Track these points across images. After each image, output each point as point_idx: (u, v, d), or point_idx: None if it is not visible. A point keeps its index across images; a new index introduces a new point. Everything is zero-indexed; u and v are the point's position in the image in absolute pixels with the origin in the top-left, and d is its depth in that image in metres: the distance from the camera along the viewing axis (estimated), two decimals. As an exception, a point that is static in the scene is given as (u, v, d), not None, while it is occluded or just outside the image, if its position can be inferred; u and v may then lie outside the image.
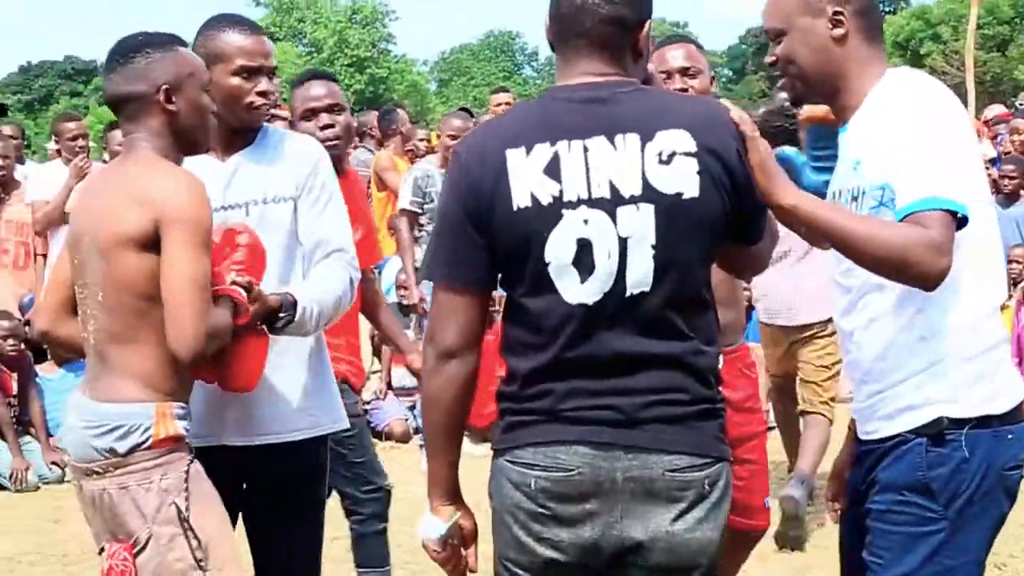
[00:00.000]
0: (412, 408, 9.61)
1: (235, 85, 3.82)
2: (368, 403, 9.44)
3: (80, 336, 3.52)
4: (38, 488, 8.45)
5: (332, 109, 5.05)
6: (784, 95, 12.20)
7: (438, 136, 10.05)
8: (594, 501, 2.85)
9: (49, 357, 9.14)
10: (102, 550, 3.44)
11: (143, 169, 3.37)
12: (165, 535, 3.36)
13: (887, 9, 67.36)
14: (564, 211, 2.81)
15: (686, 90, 4.24)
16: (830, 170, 3.39)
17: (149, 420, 3.34)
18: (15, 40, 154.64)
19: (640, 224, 2.81)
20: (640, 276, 2.83)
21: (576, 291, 2.84)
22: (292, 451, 3.88)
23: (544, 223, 2.82)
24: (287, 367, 3.84)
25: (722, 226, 2.90)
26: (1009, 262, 9.41)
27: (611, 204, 2.82)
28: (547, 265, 2.83)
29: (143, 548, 3.36)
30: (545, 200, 2.82)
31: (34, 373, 8.89)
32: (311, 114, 5.03)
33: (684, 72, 4.35)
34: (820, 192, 3.37)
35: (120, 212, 3.30)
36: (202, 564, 3.38)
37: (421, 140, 11.42)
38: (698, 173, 2.83)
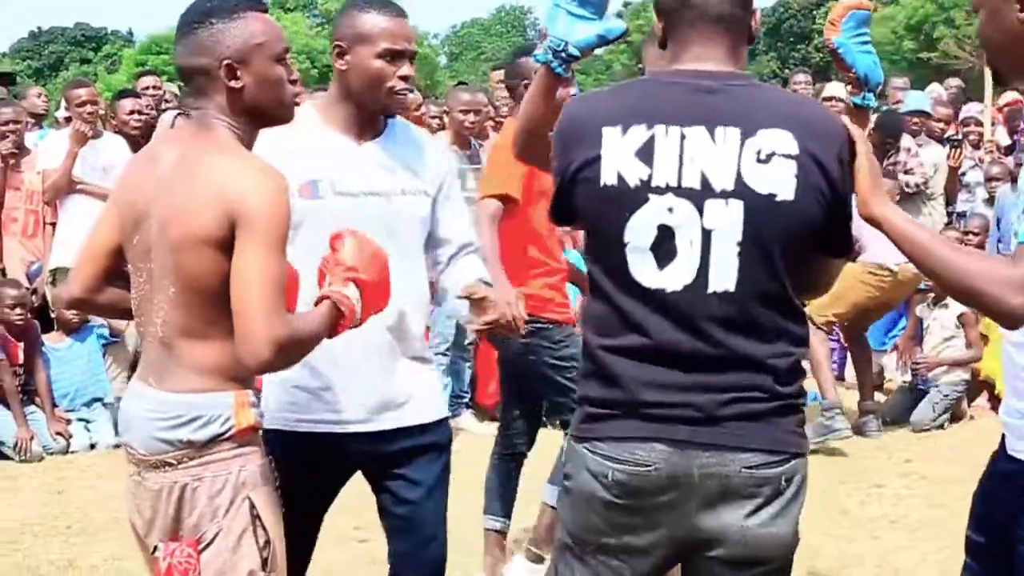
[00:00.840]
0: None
1: (378, 68, 3.75)
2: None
3: (137, 320, 3.35)
4: (42, 459, 8.41)
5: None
6: (803, 77, 12.16)
7: (446, 112, 9.91)
8: (670, 495, 2.89)
9: (56, 327, 9.09)
10: (155, 549, 3.27)
11: (221, 161, 3.14)
12: (235, 531, 3.20)
13: (901, -8, 67.18)
14: (650, 195, 2.83)
15: None
16: (870, 51, 3.40)
17: (229, 410, 3.19)
18: (26, 5, 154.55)
19: (727, 219, 2.82)
20: (724, 273, 2.84)
21: (652, 276, 2.86)
22: (420, 432, 3.91)
23: (627, 204, 2.84)
24: (405, 355, 3.90)
25: (815, 233, 2.89)
26: None
27: (700, 195, 2.82)
28: (625, 246, 2.85)
29: (209, 544, 3.21)
30: (632, 182, 2.84)
31: (41, 343, 8.84)
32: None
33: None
34: (872, 74, 3.35)
35: (195, 209, 3.09)
36: (266, 564, 3.25)
37: (434, 117, 11.19)
38: (795, 176, 2.82)
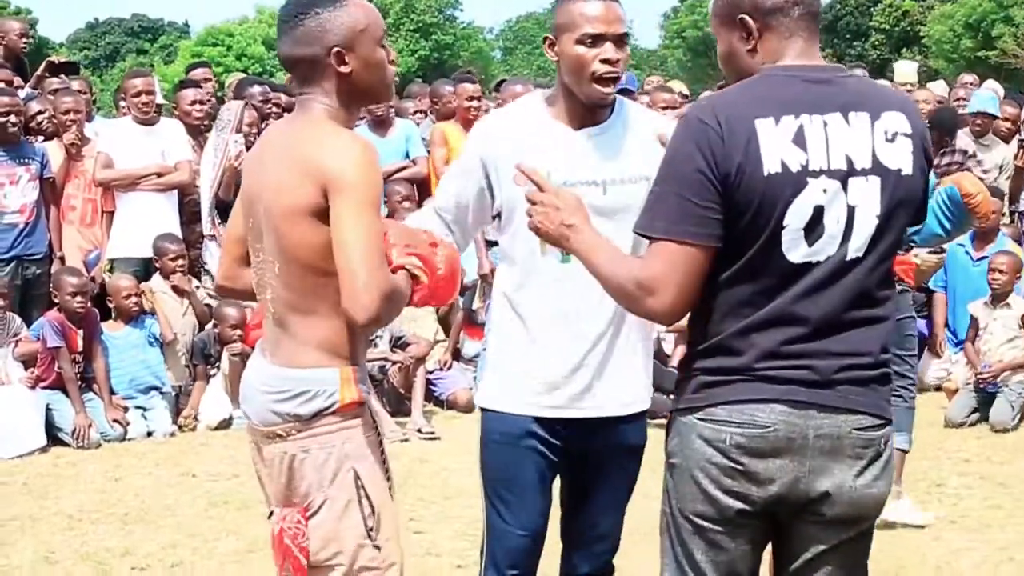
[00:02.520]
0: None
1: (579, 54, 3.78)
2: (431, 372, 9.43)
3: (259, 298, 3.49)
4: (99, 446, 8.47)
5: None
6: (860, 72, 12.21)
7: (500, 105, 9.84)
8: (785, 456, 3.03)
9: (113, 316, 9.14)
10: (271, 514, 3.44)
11: (310, 135, 3.29)
12: (341, 500, 3.32)
13: (959, -11, 66.67)
14: (809, 179, 2.99)
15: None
16: (919, 236, 3.47)
17: (334, 385, 3.30)
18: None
19: (868, 195, 3.03)
20: (860, 242, 3.03)
21: (802, 252, 3.01)
22: (622, 424, 3.99)
23: (792, 189, 2.98)
24: (627, 344, 3.94)
25: (919, 203, 3.17)
26: None
27: (845, 174, 3.01)
28: (783, 228, 2.99)
29: (316, 512, 3.34)
30: (795, 168, 2.98)
31: (100, 331, 8.89)
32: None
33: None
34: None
35: (290, 184, 3.23)
36: (372, 533, 3.35)
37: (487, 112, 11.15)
38: (912, 153, 3.09)
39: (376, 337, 9.22)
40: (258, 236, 3.38)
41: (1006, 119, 11.41)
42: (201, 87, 10.50)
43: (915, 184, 3.10)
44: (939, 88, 13.36)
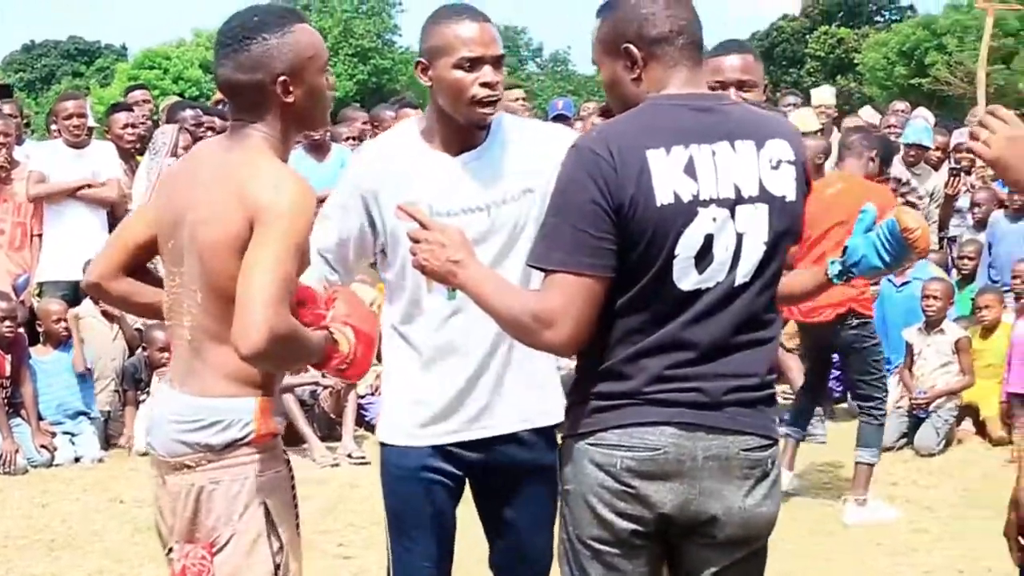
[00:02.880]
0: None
1: (457, 78, 3.69)
2: (362, 397, 9.40)
3: (168, 323, 3.39)
4: (26, 471, 8.39)
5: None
6: (792, 99, 12.29)
7: None
8: (675, 479, 3.06)
9: (42, 340, 9.07)
10: (170, 551, 3.31)
11: (249, 167, 3.15)
12: (250, 535, 3.21)
13: (894, 18, 67.50)
14: (699, 208, 3.02)
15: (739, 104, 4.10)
16: (857, 268, 3.51)
17: (249, 415, 3.21)
18: (19, 18, 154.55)
19: (755, 222, 3.08)
20: (748, 268, 3.09)
21: (692, 280, 3.04)
22: (527, 440, 3.92)
23: (684, 219, 3.01)
24: (524, 359, 3.84)
25: (799, 229, 3.23)
26: (1014, 277, 9.39)
27: (734, 203, 3.06)
28: (675, 257, 3.02)
29: (223, 548, 3.22)
30: (686, 198, 3.01)
31: (28, 355, 8.82)
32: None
33: (740, 85, 4.16)
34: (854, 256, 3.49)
35: (224, 216, 3.11)
36: (279, 570, 3.25)
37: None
38: (795, 180, 3.15)
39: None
40: (177, 260, 3.28)
41: (936, 148, 11.55)
42: (133, 110, 10.46)
43: (797, 210, 3.16)
44: (868, 115, 13.51)
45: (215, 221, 3.13)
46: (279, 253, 3.03)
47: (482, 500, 4.05)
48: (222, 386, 3.21)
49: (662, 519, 3.07)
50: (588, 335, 3.03)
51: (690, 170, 3.01)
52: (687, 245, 3.01)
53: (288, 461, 3.37)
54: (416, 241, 3.22)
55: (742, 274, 3.07)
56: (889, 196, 7.97)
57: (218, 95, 12.13)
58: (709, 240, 3.02)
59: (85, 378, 9.08)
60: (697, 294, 3.04)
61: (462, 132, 3.79)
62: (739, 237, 3.06)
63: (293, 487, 3.37)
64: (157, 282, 3.51)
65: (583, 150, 3.04)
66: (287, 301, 3.05)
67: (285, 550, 3.27)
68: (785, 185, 3.12)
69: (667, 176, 2.99)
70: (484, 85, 3.69)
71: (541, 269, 3.04)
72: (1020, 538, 3.44)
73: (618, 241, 2.99)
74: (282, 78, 3.18)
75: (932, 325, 9.26)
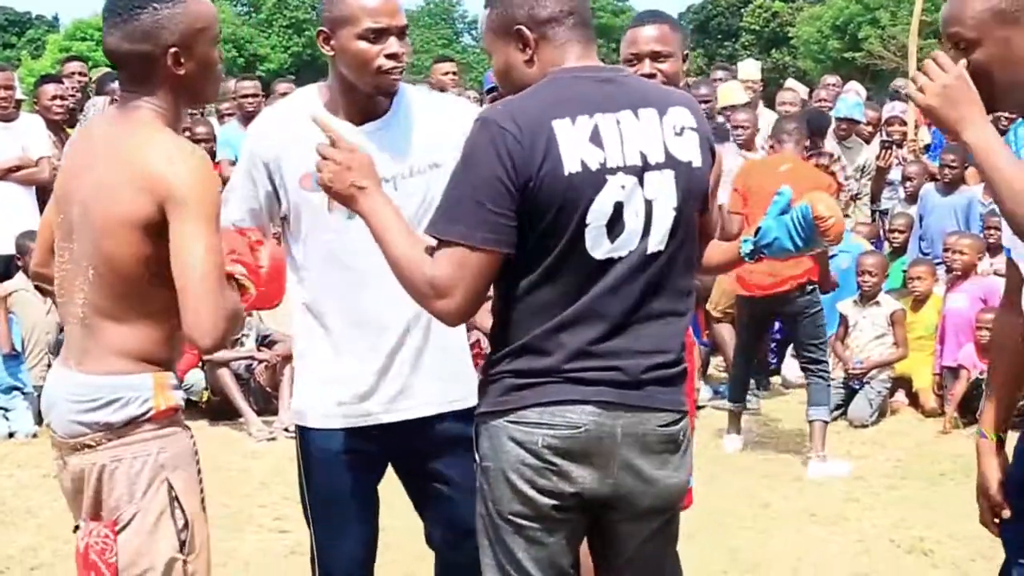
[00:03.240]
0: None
1: (362, 49, 3.63)
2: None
3: (59, 300, 3.33)
4: (-42, 447, 8.30)
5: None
6: (721, 73, 12.38)
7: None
8: (596, 456, 3.10)
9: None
10: (76, 528, 3.28)
11: (144, 142, 3.11)
12: (153, 512, 3.19)
13: (827, -9, 67.74)
14: (608, 176, 3.05)
15: (654, 75, 4.07)
16: (769, 249, 3.65)
17: (148, 391, 3.18)
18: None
19: (664, 188, 3.11)
20: (660, 235, 3.12)
21: (604, 248, 3.06)
22: (447, 420, 3.87)
23: (592, 187, 3.03)
24: (442, 339, 3.81)
25: (705, 194, 3.29)
26: (945, 250, 9.47)
27: (641, 170, 3.09)
28: (586, 226, 3.04)
29: (126, 526, 3.20)
30: (593, 166, 3.03)
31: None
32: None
33: (655, 56, 4.13)
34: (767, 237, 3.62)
35: (119, 193, 3.07)
36: (184, 547, 3.23)
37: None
38: (699, 146, 3.19)
39: (242, 336, 9.16)
40: (67, 236, 3.23)
41: (868, 122, 11.63)
42: (63, 82, 10.33)
43: (703, 176, 3.21)
44: (794, 86, 13.60)
45: (108, 199, 3.09)
46: (207, 234, 3.03)
47: (408, 479, 4.01)
48: (118, 363, 3.18)
49: (583, 493, 3.11)
50: (478, 306, 3.08)
51: (596, 139, 3.04)
52: (597, 213, 3.03)
53: (191, 434, 3.34)
54: (324, 159, 3.20)
55: (654, 242, 3.11)
56: (826, 181, 8.29)
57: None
58: (619, 208, 3.05)
59: (17, 355, 8.98)
60: (610, 263, 3.07)
61: (366, 101, 3.75)
62: (648, 204, 3.09)
63: (197, 461, 3.34)
64: None
65: (489, 123, 3.04)
66: (223, 280, 3.07)
67: (190, 524, 3.24)
68: (690, 151, 3.16)
69: (574, 145, 3.02)
70: (390, 56, 3.65)
71: (437, 238, 3.04)
72: (995, 520, 3.47)
73: (520, 216, 3.00)
74: (172, 49, 3.14)
75: (867, 298, 9.33)
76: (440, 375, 3.83)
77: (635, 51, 4.15)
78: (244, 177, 3.83)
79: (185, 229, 3.01)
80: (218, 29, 3.27)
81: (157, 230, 3.05)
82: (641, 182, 3.08)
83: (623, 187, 3.06)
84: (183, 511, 3.23)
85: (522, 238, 3.03)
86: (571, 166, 3.01)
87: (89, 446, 3.19)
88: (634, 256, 3.09)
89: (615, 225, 3.05)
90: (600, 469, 3.11)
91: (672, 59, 4.13)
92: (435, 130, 3.78)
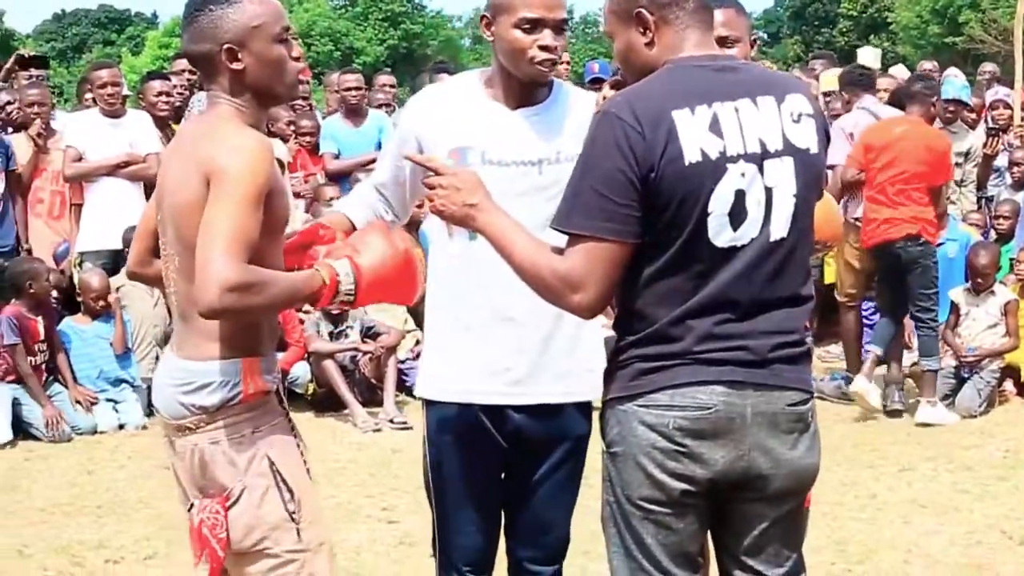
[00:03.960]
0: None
1: (516, 38, 3.69)
2: (403, 362, 9.42)
3: (166, 291, 3.48)
4: (71, 439, 8.45)
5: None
6: (819, 64, 12.33)
7: None
8: (726, 436, 3.13)
9: (82, 310, 9.12)
10: (191, 507, 3.41)
11: (211, 131, 3.27)
12: (259, 487, 3.33)
13: (926, -25, 66.83)
14: (728, 165, 3.08)
15: None
16: None
17: (237, 376, 3.30)
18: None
19: (783, 175, 3.15)
20: (781, 223, 3.15)
21: (727, 236, 3.10)
22: (566, 412, 3.90)
23: (713, 176, 3.07)
24: (564, 333, 3.83)
25: (821, 180, 3.34)
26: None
27: (760, 158, 3.12)
28: (708, 215, 3.07)
29: (236, 501, 3.33)
30: (713, 155, 3.07)
31: (58, 320, 8.91)
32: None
33: (722, 42, 4.01)
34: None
35: (186, 179, 3.21)
36: (294, 516, 3.35)
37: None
38: (816, 132, 3.23)
39: (347, 327, 9.23)
40: (164, 230, 3.37)
41: (970, 109, 11.48)
42: (169, 79, 10.44)
43: (820, 162, 3.26)
44: (900, 73, 13.44)
45: (180, 187, 3.24)
46: (229, 208, 3.09)
47: (511, 472, 3.99)
48: (209, 348, 3.31)
49: (715, 476, 3.13)
50: (610, 298, 3.14)
51: (715, 128, 3.08)
52: (719, 201, 3.07)
53: (288, 416, 3.46)
54: (431, 188, 3.27)
55: (777, 229, 3.14)
56: (945, 140, 9.12)
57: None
58: (740, 196, 3.09)
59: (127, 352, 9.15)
60: (734, 250, 3.10)
61: (522, 87, 3.80)
62: (768, 191, 3.12)
63: (296, 436, 3.46)
64: None
65: (609, 115, 3.09)
66: (240, 253, 3.07)
67: (297, 498, 3.36)
68: (808, 138, 3.19)
69: (694, 135, 3.06)
70: (543, 48, 3.69)
71: (565, 232, 3.09)
72: None
73: (645, 206, 3.04)
74: (227, 46, 3.28)
75: (978, 288, 9.21)
76: (570, 364, 3.84)
77: None
78: (395, 148, 3.95)
79: (213, 203, 3.11)
80: (280, 27, 3.36)
81: None
82: (761, 170, 3.11)
83: (743, 175, 3.09)
84: (287, 483, 3.35)
85: (646, 227, 3.06)
86: (692, 156, 3.04)
87: (190, 428, 3.34)
88: (757, 243, 3.11)
89: (737, 213, 3.09)
90: (732, 450, 3.13)
91: (740, 44, 4.10)
92: (586, 122, 3.78)
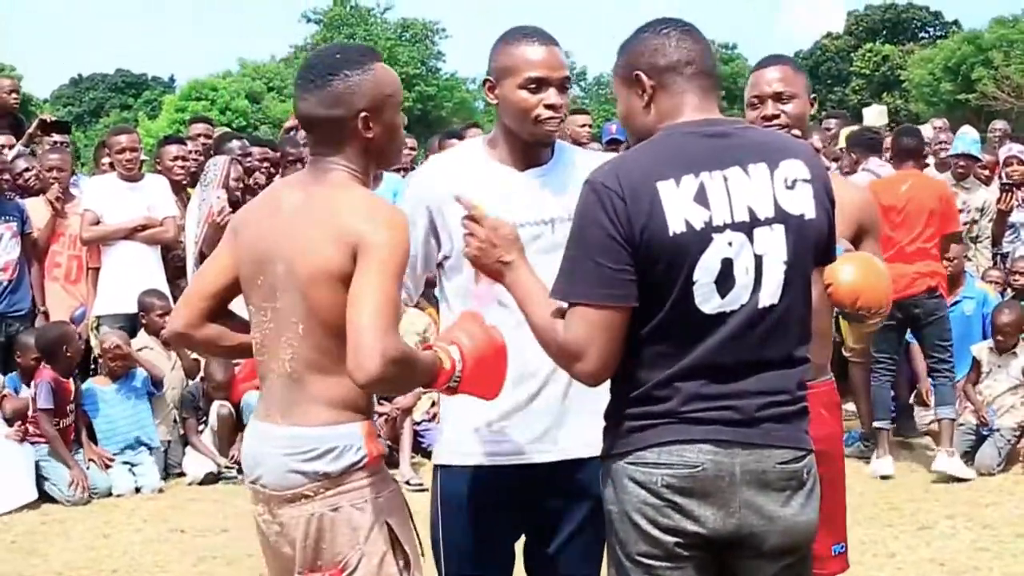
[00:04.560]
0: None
1: (522, 98, 3.75)
2: (418, 423, 9.41)
3: (259, 358, 3.44)
4: (88, 502, 8.45)
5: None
6: (833, 123, 12.44)
7: None
8: (715, 494, 3.14)
9: (101, 372, 9.15)
10: None
11: (342, 200, 3.27)
12: (376, 555, 3.31)
13: (939, 34, 67.20)
14: (713, 234, 3.11)
15: (777, 116, 4.16)
16: None
17: (359, 440, 3.29)
18: (67, 52, 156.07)
19: (774, 243, 3.16)
20: (772, 289, 3.16)
21: (715, 303, 3.12)
22: (586, 467, 3.80)
23: (697, 246, 3.09)
24: (578, 387, 3.70)
25: (824, 244, 3.30)
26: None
27: (749, 226, 3.14)
28: (694, 283, 3.10)
29: (354, 570, 3.30)
30: (698, 226, 3.09)
31: (79, 383, 8.93)
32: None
33: (778, 97, 4.21)
34: None
35: (323, 249, 3.21)
36: None
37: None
38: (813, 197, 3.22)
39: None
40: (270, 296, 3.35)
41: (984, 166, 11.51)
42: (185, 143, 10.52)
43: (819, 226, 3.24)
44: (874, 114, 13.54)
45: (313, 254, 3.23)
46: (383, 280, 3.13)
47: (528, 526, 3.96)
48: (328, 414, 3.30)
49: (706, 533, 3.14)
50: (615, 363, 3.16)
51: (701, 198, 3.10)
52: (705, 271, 3.10)
53: (396, 481, 3.45)
54: (471, 235, 3.35)
55: (766, 295, 3.16)
56: (945, 187, 9.48)
57: (289, 122, 12.27)
58: (727, 264, 3.11)
59: (153, 394, 9.17)
60: (723, 316, 3.13)
61: (528, 149, 3.84)
62: (758, 259, 3.14)
63: (407, 505, 3.45)
64: (240, 325, 3.57)
65: (596, 184, 3.15)
66: (395, 326, 3.14)
67: (412, 565, 3.35)
68: (802, 203, 3.20)
69: (678, 206, 3.09)
70: (548, 107, 3.75)
71: (565, 302, 3.16)
72: None
73: (637, 271, 3.09)
74: (363, 114, 3.30)
75: (1002, 348, 9.21)
76: (588, 419, 3.71)
77: (757, 93, 4.22)
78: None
79: (365, 272, 3.14)
80: (401, 95, 3.43)
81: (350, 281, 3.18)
82: (751, 238, 3.13)
83: (730, 244, 3.11)
84: (403, 552, 3.34)
85: (643, 294, 3.11)
86: (676, 227, 3.08)
87: (307, 496, 3.30)
88: (746, 310, 3.14)
89: (725, 280, 3.11)
90: (722, 508, 3.14)
91: (796, 100, 4.19)
92: None
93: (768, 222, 3.15)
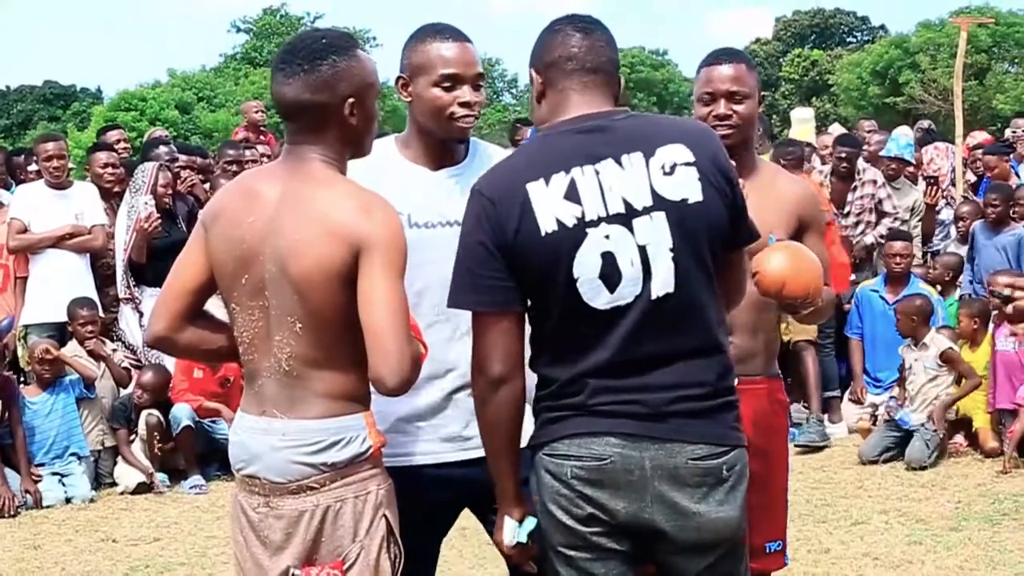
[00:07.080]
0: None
1: (436, 96, 3.72)
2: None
3: (248, 357, 3.39)
4: (17, 514, 8.30)
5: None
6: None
7: None
8: (626, 487, 3.15)
9: (30, 381, 9.03)
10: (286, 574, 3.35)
11: (329, 195, 3.25)
12: (374, 549, 3.32)
13: (866, 38, 67.87)
14: (588, 230, 3.11)
15: (729, 116, 4.09)
16: None
17: (363, 430, 3.31)
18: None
19: (656, 231, 3.13)
20: (664, 278, 3.14)
21: (606, 299, 3.12)
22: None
23: (571, 243, 3.10)
24: None
25: (724, 226, 3.24)
26: (989, 289, 9.42)
27: (627, 217, 3.12)
28: (576, 280, 3.10)
29: (352, 565, 3.31)
30: (570, 223, 3.11)
31: (18, 396, 8.75)
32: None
33: (731, 96, 4.12)
34: None
35: (318, 247, 3.20)
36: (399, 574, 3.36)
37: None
38: (699, 179, 3.17)
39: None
40: (256, 294, 3.31)
41: (916, 167, 11.68)
42: (115, 151, 10.44)
43: (710, 208, 3.19)
44: (837, 132, 13.70)
45: (307, 252, 3.21)
46: (393, 282, 3.17)
47: (484, 517, 3.91)
48: (332, 407, 3.31)
49: (619, 525, 3.17)
50: (517, 363, 3.18)
51: (572, 195, 3.12)
52: (584, 266, 3.12)
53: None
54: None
55: (659, 285, 3.14)
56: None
57: (239, 134, 12.20)
58: (609, 258, 3.12)
59: (86, 397, 9.03)
60: (618, 311, 3.15)
61: (441, 148, 3.83)
62: (642, 250, 3.14)
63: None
64: (218, 327, 3.52)
65: (474, 191, 3.23)
66: (408, 326, 3.19)
67: (401, 559, 3.37)
68: (683, 188, 3.16)
69: (548, 205, 3.12)
70: (463, 104, 3.73)
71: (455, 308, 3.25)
72: None
73: (515, 276, 3.15)
74: (349, 100, 3.29)
75: (916, 341, 9.28)
76: None
77: (710, 90, 4.14)
78: None
79: (375, 274, 3.15)
80: (379, 87, 3.44)
81: (354, 278, 3.18)
82: (631, 229, 3.13)
83: (607, 237, 3.12)
84: (397, 543, 3.36)
85: (528, 296, 3.16)
86: (547, 226, 3.11)
87: (312, 488, 3.30)
88: (641, 302, 3.14)
89: (610, 275, 3.12)
90: (635, 502, 3.15)
91: (749, 100, 4.12)
92: None
93: (647, 211, 3.13)
